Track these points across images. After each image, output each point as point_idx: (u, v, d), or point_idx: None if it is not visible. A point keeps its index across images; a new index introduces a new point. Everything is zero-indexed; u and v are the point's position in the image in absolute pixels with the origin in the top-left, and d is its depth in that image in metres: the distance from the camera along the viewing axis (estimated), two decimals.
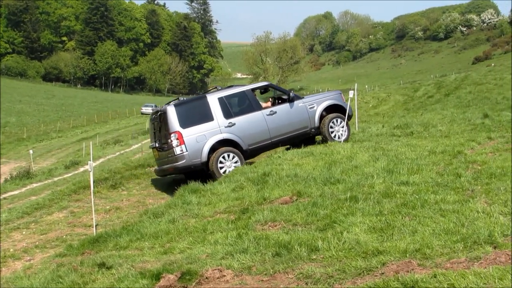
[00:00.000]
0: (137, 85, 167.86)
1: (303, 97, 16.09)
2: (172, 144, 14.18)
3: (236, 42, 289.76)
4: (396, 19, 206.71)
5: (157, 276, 6.39)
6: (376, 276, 5.60)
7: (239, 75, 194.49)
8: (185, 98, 16.28)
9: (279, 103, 15.93)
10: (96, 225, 11.23)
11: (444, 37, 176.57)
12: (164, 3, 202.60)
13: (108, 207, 13.48)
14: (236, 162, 14.45)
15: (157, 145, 15.20)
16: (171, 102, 15.03)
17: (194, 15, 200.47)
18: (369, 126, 20.02)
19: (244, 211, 9.36)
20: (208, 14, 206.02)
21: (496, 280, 5.00)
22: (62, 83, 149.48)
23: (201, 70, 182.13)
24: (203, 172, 14.63)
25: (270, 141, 15.20)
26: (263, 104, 16.06)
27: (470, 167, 10.37)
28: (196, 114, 14.65)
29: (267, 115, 15.14)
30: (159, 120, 14.98)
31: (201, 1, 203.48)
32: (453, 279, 5.11)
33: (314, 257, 6.46)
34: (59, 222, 12.52)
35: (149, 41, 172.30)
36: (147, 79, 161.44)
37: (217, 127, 14.52)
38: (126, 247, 8.58)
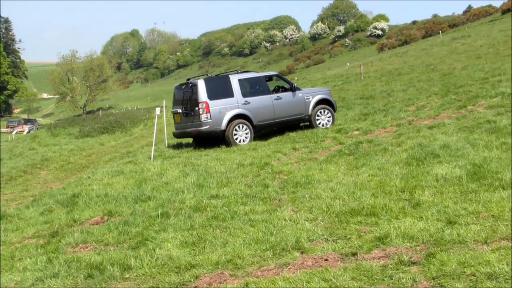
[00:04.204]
0: None
1: (301, 89, 19.45)
2: (199, 112, 17.06)
3: (42, 62, 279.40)
4: (202, 36, 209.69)
5: None
6: None
7: (45, 95, 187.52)
8: (212, 75, 19.29)
9: (282, 91, 19.03)
10: None
11: (250, 52, 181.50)
12: None
13: None
14: (247, 134, 17.56)
15: (179, 110, 17.95)
16: (201, 77, 18.00)
17: None
18: (181, 142, 20.19)
19: (53, 234, 9.06)
20: (11, 33, 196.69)
21: (304, 283, 5.21)
22: None
23: (4, 91, 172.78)
24: (213, 140, 17.68)
25: (273, 121, 18.37)
26: None
27: (277, 178, 10.79)
28: (220, 90, 17.60)
29: (275, 99, 18.34)
30: (190, 90, 17.55)
31: (2, 20, 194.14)
32: (264, 286, 5.25)
33: (127, 275, 6.38)
34: None
35: None
36: None
37: (236, 103, 17.59)
38: None
